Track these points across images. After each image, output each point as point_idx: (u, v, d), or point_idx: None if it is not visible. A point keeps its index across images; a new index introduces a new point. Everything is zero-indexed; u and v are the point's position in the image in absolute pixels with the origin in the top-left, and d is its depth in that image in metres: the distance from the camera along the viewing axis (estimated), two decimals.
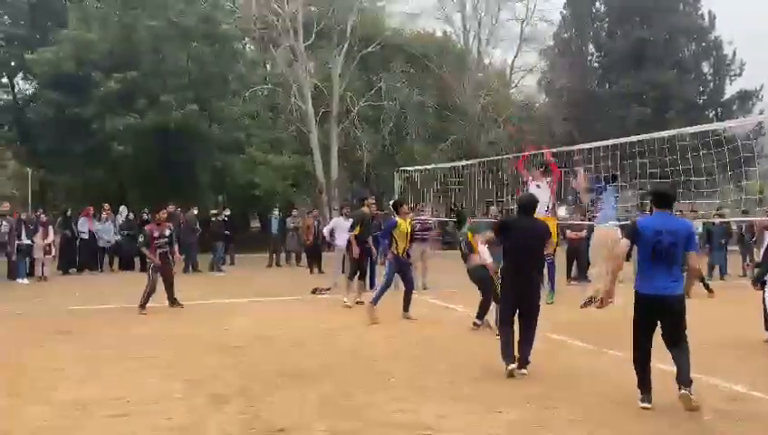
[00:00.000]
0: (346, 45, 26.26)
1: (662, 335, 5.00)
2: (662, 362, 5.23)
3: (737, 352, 7.18)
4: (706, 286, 12.19)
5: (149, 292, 9.69)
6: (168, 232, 10.16)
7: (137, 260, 17.24)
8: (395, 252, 9.15)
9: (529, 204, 6.44)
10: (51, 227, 15.23)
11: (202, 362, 6.48)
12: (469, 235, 8.30)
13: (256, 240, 22.99)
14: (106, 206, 17.32)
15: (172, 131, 20.64)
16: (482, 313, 8.26)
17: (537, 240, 6.21)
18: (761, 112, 28.33)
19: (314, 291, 12.14)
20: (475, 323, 8.23)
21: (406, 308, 9.15)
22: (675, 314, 4.94)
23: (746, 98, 29.27)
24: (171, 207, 17.03)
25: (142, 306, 9.55)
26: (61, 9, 23.46)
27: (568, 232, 13.52)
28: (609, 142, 10.48)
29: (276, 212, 19.54)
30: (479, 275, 8.11)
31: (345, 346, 7.35)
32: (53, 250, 15.13)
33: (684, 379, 4.82)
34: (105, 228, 16.69)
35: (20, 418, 4.71)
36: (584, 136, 22.19)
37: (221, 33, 22.36)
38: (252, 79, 25.95)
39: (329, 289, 12.16)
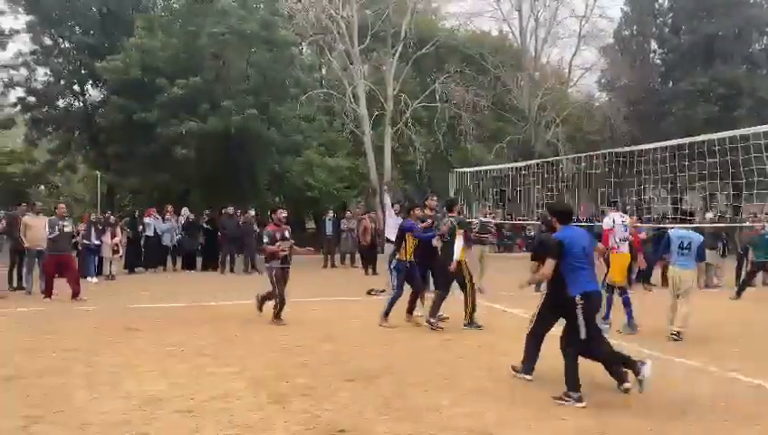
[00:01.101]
0: (400, 47, 26.34)
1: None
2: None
3: None
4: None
5: (271, 298, 8.94)
6: (288, 234, 9.14)
7: (198, 260, 17.86)
8: (401, 258, 8.70)
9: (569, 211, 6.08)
10: (118, 228, 15.87)
11: (266, 362, 6.61)
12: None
13: (311, 241, 23.30)
14: (169, 207, 17.93)
15: (232, 135, 21.21)
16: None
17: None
18: None
19: (369, 292, 12.21)
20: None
21: (410, 310, 8.89)
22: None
23: None
24: (230, 209, 17.53)
25: (260, 308, 9.16)
26: (129, 18, 24.48)
27: None
28: (673, 142, 10.16)
29: (331, 213, 19.78)
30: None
31: (404, 348, 7.36)
32: (121, 250, 15.74)
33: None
34: (168, 228, 17.28)
35: (95, 411, 4.92)
36: (646, 135, 21.54)
37: (279, 39, 22.81)
38: (308, 83, 26.35)
39: (383, 290, 12.21)
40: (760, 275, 13.76)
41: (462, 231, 8.50)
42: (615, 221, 9.01)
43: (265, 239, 8.93)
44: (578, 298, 5.31)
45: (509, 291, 12.26)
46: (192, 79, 20.89)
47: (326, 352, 7.14)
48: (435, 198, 9.73)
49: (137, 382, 5.76)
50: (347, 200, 26.92)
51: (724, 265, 14.49)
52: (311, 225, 32.37)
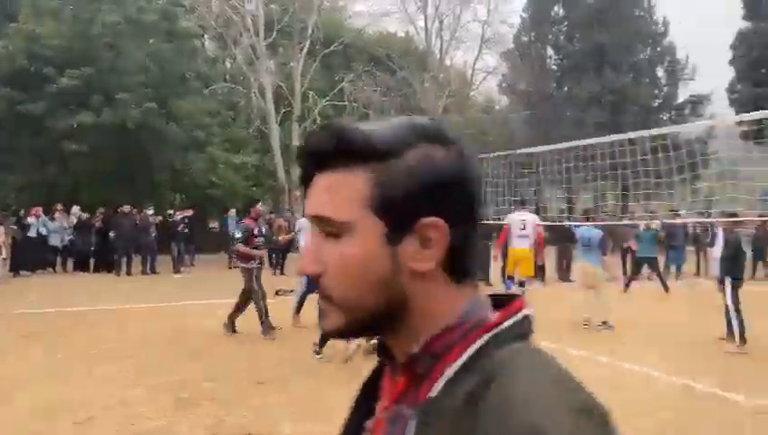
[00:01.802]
0: (307, 44, 26.12)
1: None
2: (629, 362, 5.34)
3: (696, 352, 7.41)
4: (665, 285, 12.61)
5: (240, 312, 8.08)
6: (264, 230, 8.45)
7: (91, 261, 16.87)
8: None
9: None
10: (2, 228, 14.67)
11: (171, 366, 6.33)
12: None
13: (215, 241, 22.59)
14: (59, 206, 16.81)
15: (129, 130, 20.16)
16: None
17: None
18: (711, 116, 29.28)
19: (278, 292, 12.02)
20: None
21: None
22: None
23: (698, 102, 30.23)
24: (126, 208, 16.69)
25: (263, 323, 7.96)
26: (14, 1, 22.65)
27: None
28: (567, 145, 10.71)
29: (233, 212, 19.29)
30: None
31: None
32: (4, 251, 14.58)
33: None
34: (57, 228, 16.19)
35: None
36: (544, 138, 22.62)
37: (180, 30, 21.93)
38: (211, 76, 25.54)
39: (292, 291, 12.07)
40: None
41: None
42: (513, 218, 9.66)
43: (238, 235, 8.10)
44: None
45: None
46: (85, 69, 19.65)
47: (235, 354, 6.94)
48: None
49: (34, 391, 5.34)
50: (252, 199, 26.31)
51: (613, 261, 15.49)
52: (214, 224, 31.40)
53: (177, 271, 16.30)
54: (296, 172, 21.96)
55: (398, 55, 29.22)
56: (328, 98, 26.71)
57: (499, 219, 10.53)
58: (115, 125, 19.80)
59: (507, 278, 10.12)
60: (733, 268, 7.61)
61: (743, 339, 7.33)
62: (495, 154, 11.29)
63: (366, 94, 26.81)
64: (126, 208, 16.73)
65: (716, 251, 13.05)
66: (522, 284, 9.80)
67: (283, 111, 26.15)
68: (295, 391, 5.51)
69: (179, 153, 22.39)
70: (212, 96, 24.98)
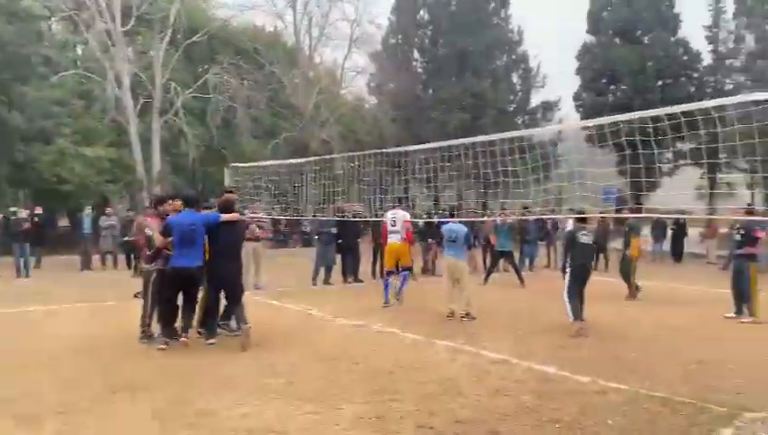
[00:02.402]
0: (169, 33, 24.84)
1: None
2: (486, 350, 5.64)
3: (548, 338, 8.01)
4: (520, 277, 13.49)
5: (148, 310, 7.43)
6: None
7: None
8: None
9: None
10: None
11: (14, 379, 5.74)
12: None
13: (66, 241, 20.79)
14: None
15: None
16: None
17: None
18: (560, 121, 31.82)
19: (137, 295, 11.31)
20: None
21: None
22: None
23: (548, 108, 32.71)
24: None
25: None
26: None
27: None
28: (433, 145, 11.14)
29: (89, 210, 17.87)
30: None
31: (178, 353, 6.94)
32: None
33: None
34: None
35: None
36: (411, 138, 23.28)
37: (24, 10, 19.91)
38: (60, 62, 23.49)
39: None
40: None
41: None
42: (387, 216, 10.59)
43: (149, 232, 7.46)
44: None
45: (287, 287, 12.42)
46: None
47: (88, 363, 6.43)
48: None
49: None
50: (108, 195, 24.53)
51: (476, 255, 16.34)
52: (65, 222, 28.96)
53: (21, 275, 14.80)
54: (156, 167, 20.81)
55: (266, 49, 28.66)
56: (191, 90, 25.59)
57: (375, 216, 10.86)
58: None
59: (387, 273, 10.68)
60: (569, 259, 8.52)
61: (579, 319, 8.13)
62: (365, 153, 11.45)
63: (232, 87, 26.03)
64: None
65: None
66: (406, 269, 10.65)
67: (143, 101, 24.68)
68: (157, 398, 5.22)
69: (23, 145, 20.35)
70: (62, 84, 22.97)
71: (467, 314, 9.14)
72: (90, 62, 25.07)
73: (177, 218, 7.24)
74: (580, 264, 8.58)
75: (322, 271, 13.19)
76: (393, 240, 10.55)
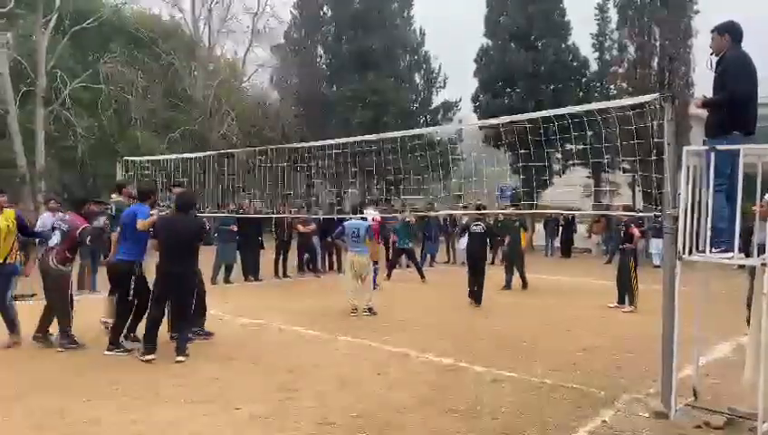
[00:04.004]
0: (55, 18, 23.18)
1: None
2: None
3: (446, 330, 8.23)
4: (421, 273, 13.76)
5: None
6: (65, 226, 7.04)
7: None
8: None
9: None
10: None
11: None
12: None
13: None
14: None
15: None
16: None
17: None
18: (460, 121, 32.77)
19: (15, 298, 10.48)
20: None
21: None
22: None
23: (449, 108, 33.57)
24: None
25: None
26: None
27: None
28: (336, 141, 11.12)
29: None
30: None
31: (62, 357, 6.49)
32: None
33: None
34: None
35: None
36: (315, 135, 23.12)
37: None
38: None
39: (34, 295, 10.68)
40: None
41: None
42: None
43: (57, 237, 6.87)
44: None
45: None
46: None
47: None
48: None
49: None
50: None
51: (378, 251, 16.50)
52: None
53: None
54: (41, 160, 19.29)
55: (162, 39, 27.43)
56: (80, 79, 24.03)
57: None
58: None
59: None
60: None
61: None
62: (267, 148, 11.24)
63: (126, 77, 24.71)
64: None
65: (463, 242, 14.93)
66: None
67: (24, 90, 22.88)
68: (36, 407, 4.85)
69: None
70: None
71: (370, 310, 9.22)
72: None
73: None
74: (472, 252, 9.79)
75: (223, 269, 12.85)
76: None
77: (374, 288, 10.22)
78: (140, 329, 6.79)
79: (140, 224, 6.64)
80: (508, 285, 12.29)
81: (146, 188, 7.49)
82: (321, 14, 33.05)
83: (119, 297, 6.91)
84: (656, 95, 5.04)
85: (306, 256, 14.73)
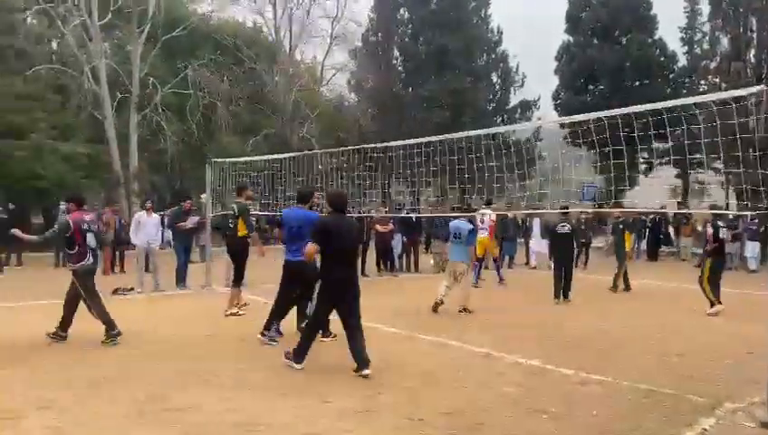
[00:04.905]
0: (147, 27, 24.50)
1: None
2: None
3: (530, 332, 8.08)
4: (500, 275, 13.56)
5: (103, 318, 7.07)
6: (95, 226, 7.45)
7: None
8: None
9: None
10: None
11: None
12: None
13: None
14: None
15: None
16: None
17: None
18: (538, 120, 32.07)
19: (116, 291, 11.18)
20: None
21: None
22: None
23: (527, 107, 32.93)
24: None
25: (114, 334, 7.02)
26: None
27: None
28: (413, 141, 11.16)
29: (64, 206, 17.51)
30: None
31: (158, 347, 6.86)
32: None
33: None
34: None
35: None
36: (391, 135, 23.28)
37: None
38: (35, 56, 23.01)
39: (132, 289, 11.35)
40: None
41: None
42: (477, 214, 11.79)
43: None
44: None
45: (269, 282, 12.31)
46: None
47: (65, 356, 6.31)
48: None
49: None
50: (85, 192, 24.06)
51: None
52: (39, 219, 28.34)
53: None
54: (134, 163, 20.48)
55: (246, 45, 28.44)
56: (170, 86, 25.29)
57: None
58: None
59: (477, 260, 11.96)
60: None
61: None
62: (346, 148, 11.43)
63: (213, 83, 25.78)
64: None
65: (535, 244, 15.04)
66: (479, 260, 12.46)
67: (120, 97, 24.31)
68: (138, 394, 5.14)
69: None
70: (36, 78, 22.50)
71: (465, 309, 9.26)
72: (66, 57, 24.61)
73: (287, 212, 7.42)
74: (560, 253, 10.30)
75: None
76: (481, 235, 11.73)
77: (476, 282, 11.40)
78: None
79: (309, 251, 5.95)
80: (623, 287, 12.03)
81: (306, 191, 7.30)
82: (398, 15, 33.23)
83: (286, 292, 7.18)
84: (761, 86, 4.77)
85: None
